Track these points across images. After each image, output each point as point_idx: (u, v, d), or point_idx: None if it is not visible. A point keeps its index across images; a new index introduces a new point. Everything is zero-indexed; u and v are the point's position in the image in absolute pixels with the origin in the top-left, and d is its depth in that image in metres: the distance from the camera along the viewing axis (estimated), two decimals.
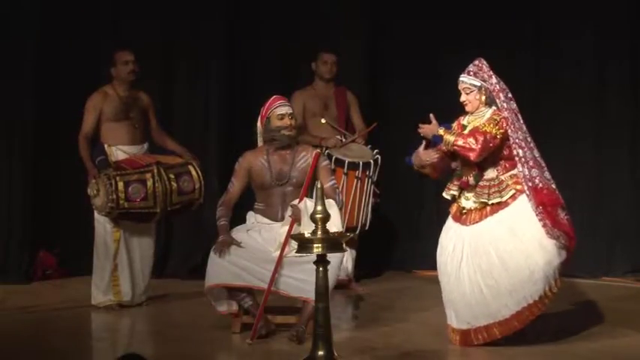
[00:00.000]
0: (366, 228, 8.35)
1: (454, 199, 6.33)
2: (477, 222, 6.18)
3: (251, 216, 6.67)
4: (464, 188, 6.27)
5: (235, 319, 6.58)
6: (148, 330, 7.12)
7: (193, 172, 7.45)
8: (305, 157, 6.63)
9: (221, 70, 9.10)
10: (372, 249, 8.78)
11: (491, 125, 6.14)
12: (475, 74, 6.25)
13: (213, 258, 6.43)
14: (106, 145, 7.44)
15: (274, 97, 6.72)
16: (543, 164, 6.20)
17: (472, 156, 6.12)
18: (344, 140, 8.35)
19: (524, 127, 6.21)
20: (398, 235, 9.41)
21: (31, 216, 8.68)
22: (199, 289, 6.66)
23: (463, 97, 6.28)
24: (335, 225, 6.04)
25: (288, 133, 6.59)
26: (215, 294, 6.50)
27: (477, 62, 6.29)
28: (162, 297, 7.89)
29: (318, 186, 5.22)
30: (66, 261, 8.73)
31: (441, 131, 6.22)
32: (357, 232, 8.23)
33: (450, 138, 6.16)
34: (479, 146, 6.08)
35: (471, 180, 6.23)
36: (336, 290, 6.69)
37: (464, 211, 6.25)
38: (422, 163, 6.36)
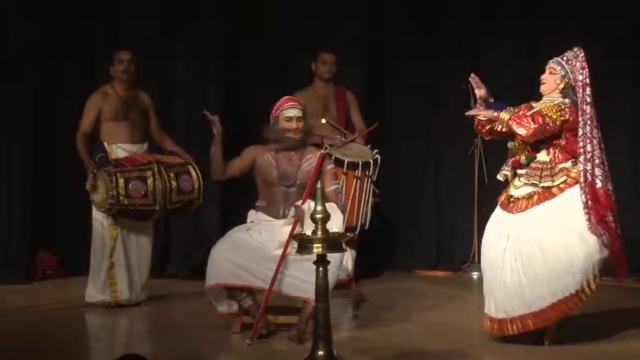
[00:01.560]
0: (366, 228, 8.35)
1: (507, 180, 6.33)
2: (523, 210, 6.17)
3: (252, 214, 6.65)
4: (516, 167, 6.26)
5: (235, 319, 6.58)
6: (148, 330, 7.12)
7: (193, 173, 7.46)
8: (310, 160, 6.60)
9: (221, 70, 9.10)
10: (372, 249, 8.78)
11: (554, 110, 6.13)
12: (568, 61, 6.27)
13: (213, 258, 6.43)
14: (105, 144, 7.45)
15: (286, 97, 6.69)
16: (609, 173, 6.17)
17: (524, 133, 6.11)
18: (344, 140, 8.35)
19: (599, 132, 6.16)
20: (398, 235, 9.42)
21: (31, 216, 8.68)
22: (199, 289, 6.66)
23: (544, 76, 6.31)
24: (336, 227, 6.04)
25: (294, 136, 6.57)
26: (215, 294, 6.50)
27: (575, 50, 6.32)
28: (162, 297, 7.89)
29: (318, 186, 5.21)
30: (66, 261, 8.74)
31: (495, 114, 6.22)
32: (357, 231, 8.23)
33: (504, 116, 6.17)
34: (535, 125, 6.07)
35: (523, 159, 6.24)
36: (336, 290, 6.69)
37: (511, 199, 6.25)
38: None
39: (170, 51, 9.15)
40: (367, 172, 8.20)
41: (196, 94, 9.13)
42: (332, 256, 5.28)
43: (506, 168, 6.36)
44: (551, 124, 6.10)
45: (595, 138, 6.12)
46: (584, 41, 8.82)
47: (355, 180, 8.14)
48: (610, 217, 6.14)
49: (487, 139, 6.51)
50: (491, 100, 6.28)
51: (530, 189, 6.19)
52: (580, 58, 6.26)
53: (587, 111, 6.14)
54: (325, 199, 5.22)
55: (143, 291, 7.59)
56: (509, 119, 6.15)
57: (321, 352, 5.06)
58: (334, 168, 6.80)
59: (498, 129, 6.28)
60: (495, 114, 6.23)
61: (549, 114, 6.12)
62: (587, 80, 6.20)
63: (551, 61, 6.32)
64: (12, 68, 8.59)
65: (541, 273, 6.06)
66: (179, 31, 9.15)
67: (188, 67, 9.16)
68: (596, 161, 6.10)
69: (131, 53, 7.60)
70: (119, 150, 7.47)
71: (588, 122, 6.12)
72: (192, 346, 6.36)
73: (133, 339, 7.03)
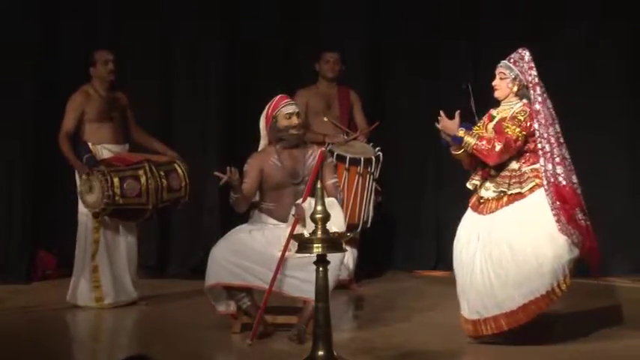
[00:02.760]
0: (368, 225, 8.34)
1: (475, 188, 6.34)
2: (493, 211, 6.18)
3: (256, 215, 6.63)
4: (486, 179, 6.27)
5: (235, 319, 6.57)
6: (148, 330, 7.11)
7: (179, 170, 7.47)
8: (313, 155, 6.60)
9: (221, 70, 9.10)
10: (373, 249, 8.78)
11: (515, 126, 6.13)
12: (515, 63, 6.26)
13: (212, 258, 6.42)
14: (90, 144, 7.44)
15: (279, 96, 6.68)
16: (572, 167, 6.18)
17: (491, 162, 6.16)
18: (346, 138, 8.36)
19: (558, 127, 6.18)
20: (399, 235, 9.42)
21: (31, 216, 8.68)
22: (199, 289, 6.66)
23: (495, 82, 6.29)
24: (337, 224, 6.02)
25: (297, 132, 6.56)
26: (215, 294, 6.50)
27: (520, 51, 6.30)
28: (162, 297, 7.89)
29: (318, 186, 5.21)
30: (66, 261, 8.72)
31: (461, 132, 6.21)
32: (359, 229, 8.23)
33: (470, 141, 6.16)
34: (497, 152, 6.09)
35: (492, 172, 6.24)
36: (336, 290, 6.69)
37: (482, 200, 6.26)
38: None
39: (170, 51, 9.14)
40: (369, 169, 8.19)
41: (196, 95, 9.12)
42: (332, 256, 5.28)
43: (476, 177, 6.35)
44: (513, 144, 6.11)
45: (552, 136, 6.11)
46: (584, 41, 8.92)
47: (357, 176, 8.14)
48: (579, 215, 6.13)
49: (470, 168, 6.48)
50: (460, 132, 6.24)
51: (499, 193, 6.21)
52: (526, 59, 6.25)
53: (540, 110, 6.13)
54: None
55: (135, 290, 7.57)
56: (475, 148, 6.14)
57: (321, 352, 5.06)
58: (333, 161, 6.80)
59: (470, 152, 6.23)
60: (461, 133, 6.19)
61: (509, 132, 6.11)
62: (537, 80, 6.20)
63: (499, 65, 6.29)
64: (12, 68, 8.59)
65: (511, 274, 6.06)
66: (179, 31, 9.14)
67: (188, 67, 9.16)
68: (556, 159, 6.09)
69: (112, 53, 7.60)
70: (104, 150, 7.47)
71: (542, 122, 6.12)
72: (192, 346, 6.36)
73: (133, 339, 7.03)
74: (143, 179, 7.23)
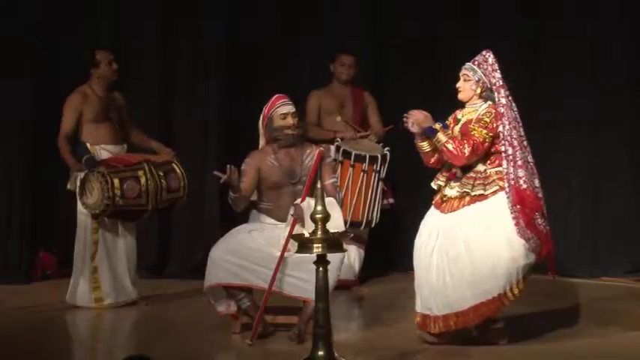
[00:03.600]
0: (372, 225, 8.32)
1: (439, 189, 6.33)
2: (454, 210, 6.18)
3: (255, 215, 6.64)
4: (451, 179, 6.27)
5: (235, 319, 6.57)
6: (148, 330, 7.11)
7: (177, 170, 7.46)
8: (311, 155, 6.60)
9: (221, 70, 9.10)
10: (376, 250, 8.77)
11: (481, 128, 6.13)
12: (479, 65, 6.26)
13: (212, 258, 6.43)
14: (88, 145, 7.44)
15: (276, 96, 6.69)
16: (534, 171, 6.18)
17: (458, 163, 6.16)
18: (356, 135, 8.39)
19: (522, 131, 6.19)
20: (398, 235, 9.40)
21: (31, 216, 8.68)
22: (199, 289, 6.66)
23: (459, 84, 6.30)
24: (336, 224, 6.04)
25: (292, 132, 6.56)
26: (214, 294, 6.50)
27: (484, 53, 6.31)
28: (162, 297, 7.89)
29: (318, 186, 5.21)
30: (66, 261, 8.71)
31: (438, 126, 6.22)
32: (362, 227, 8.22)
33: (442, 138, 6.17)
34: (465, 155, 6.09)
35: (459, 173, 6.23)
36: (337, 290, 6.69)
37: (444, 198, 6.26)
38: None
39: (170, 51, 9.14)
40: (375, 167, 8.19)
41: (196, 94, 9.12)
42: (332, 256, 5.28)
43: (441, 178, 6.34)
44: (481, 146, 6.12)
45: (515, 139, 6.11)
46: (583, 41, 8.92)
47: (362, 174, 8.14)
48: (539, 220, 6.10)
49: (438, 167, 6.48)
50: (437, 125, 6.25)
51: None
52: (490, 61, 6.26)
53: (504, 113, 6.13)
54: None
55: (134, 290, 7.57)
56: (444, 147, 6.14)
57: (321, 352, 5.06)
58: (333, 162, 6.80)
59: (440, 149, 6.23)
60: (438, 126, 6.21)
61: (476, 134, 6.11)
62: (501, 82, 6.21)
63: (463, 67, 6.30)
64: (12, 68, 8.59)
65: (466, 274, 6.07)
66: (179, 31, 9.14)
67: (188, 67, 9.15)
68: (519, 162, 6.08)
69: (112, 53, 7.61)
70: (102, 151, 7.47)
71: (506, 124, 6.12)
72: (192, 346, 6.37)
73: (133, 339, 7.03)
74: (143, 180, 7.23)
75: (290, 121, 6.56)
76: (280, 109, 6.59)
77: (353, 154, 8.13)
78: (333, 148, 8.15)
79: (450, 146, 6.12)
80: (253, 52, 9.13)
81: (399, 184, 8.85)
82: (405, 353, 6.11)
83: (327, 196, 6.11)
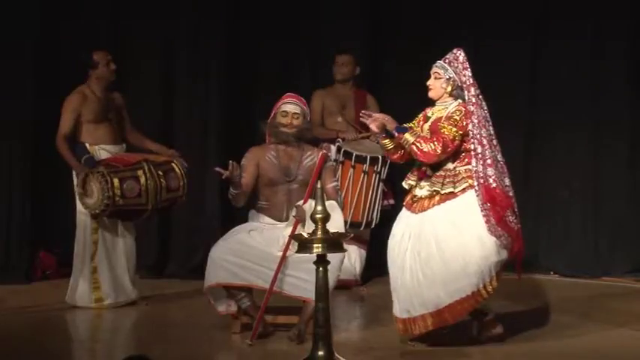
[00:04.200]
0: (372, 226, 8.32)
1: (411, 188, 6.33)
2: (424, 210, 6.17)
3: (253, 215, 6.64)
4: (422, 178, 6.26)
5: (235, 319, 6.57)
6: (148, 330, 7.11)
7: (177, 170, 7.46)
8: (311, 156, 6.61)
9: (221, 70, 9.09)
10: (376, 250, 8.75)
11: (451, 126, 6.12)
12: (450, 63, 6.25)
13: (212, 258, 6.43)
14: (87, 145, 7.44)
15: (287, 93, 6.70)
16: (504, 169, 6.18)
17: (427, 161, 6.15)
18: (357, 135, 8.39)
19: (492, 130, 6.17)
20: None
21: (31, 216, 8.67)
22: (199, 289, 6.66)
23: (430, 82, 6.30)
24: (337, 226, 6.04)
25: (287, 131, 6.57)
26: (214, 294, 6.50)
27: (455, 51, 6.29)
28: (162, 297, 7.89)
29: (319, 186, 5.21)
30: (66, 261, 8.72)
31: (407, 125, 6.25)
32: (362, 228, 8.22)
33: (409, 138, 6.15)
34: (437, 153, 6.08)
35: (429, 171, 6.23)
36: (338, 290, 6.69)
37: (415, 198, 6.25)
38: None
39: (170, 51, 9.14)
40: (375, 168, 8.19)
41: (196, 94, 9.12)
42: (332, 256, 5.28)
43: (412, 177, 6.34)
44: (451, 144, 6.11)
45: (484, 137, 6.10)
46: (583, 41, 8.92)
47: (363, 175, 8.14)
48: (510, 217, 6.10)
49: (401, 162, 6.46)
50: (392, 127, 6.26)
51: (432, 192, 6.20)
52: (461, 59, 6.25)
53: (474, 111, 6.13)
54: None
55: (134, 290, 7.57)
56: (412, 147, 6.13)
57: (321, 352, 5.06)
58: (334, 165, 6.80)
59: (408, 149, 6.22)
60: (397, 134, 6.20)
61: (445, 132, 6.10)
62: (471, 80, 6.20)
63: (434, 65, 6.30)
64: (12, 68, 8.59)
65: (438, 273, 6.06)
66: (179, 31, 9.14)
67: (188, 67, 9.15)
68: (488, 161, 6.08)
69: (110, 53, 7.61)
70: (102, 151, 7.46)
71: (476, 123, 6.11)
72: (192, 346, 6.36)
73: (133, 339, 7.03)
74: (142, 179, 7.23)
75: (289, 120, 6.57)
76: (284, 106, 6.60)
77: (354, 154, 8.14)
78: (334, 148, 8.17)
79: (419, 145, 6.11)
80: (253, 52, 9.13)
81: (399, 185, 8.84)
82: (405, 353, 6.11)
83: (329, 199, 6.11)
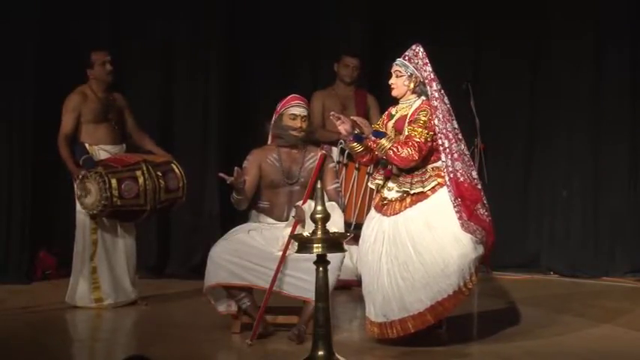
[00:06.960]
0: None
1: (378, 188, 6.31)
2: (396, 213, 6.14)
3: (254, 215, 6.64)
4: (388, 177, 6.25)
5: (235, 319, 6.57)
6: (148, 330, 7.11)
7: (176, 171, 7.45)
8: (313, 158, 6.60)
9: (221, 70, 9.09)
10: None
11: (420, 128, 6.09)
12: (410, 60, 6.23)
13: (212, 257, 6.43)
14: (87, 145, 7.44)
15: (292, 95, 6.67)
16: (471, 163, 6.18)
17: (403, 166, 6.13)
18: None
19: (456, 123, 6.15)
20: None
21: (31, 216, 8.67)
22: (199, 289, 6.66)
23: (392, 80, 6.27)
24: (337, 226, 6.04)
25: (296, 135, 6.55)
26: (214, 294, 6.51)
27: (414, 47, 6.28)
28: (162, 297, 7.89)
29: (318, 186, 5.21)
30: (66, 261, 8.71)
31: (381, 130, 6.24)
32: (352, 227, 8.20)
33: (385, 144, 6.13)
34: (410, 158, 6.05)
35: (395, 170, 6.22)
36: (336, 290, 6.69)
37: (385, 201, 6.23)
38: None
39: (170, 51, 9.14)
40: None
41: (196, 95, 9.12)
42: (332, 256, 5.28)
43: (378, 177, 6.32)
44: (424, 147, 6.08)
45: (450, 132, 6.09)
46: (583, 41, 8.92)
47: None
48: (481, 210, 6.08)
49: (370, 164, 6.45)
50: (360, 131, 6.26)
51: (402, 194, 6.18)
52: (420, 55, 6.23)
53: (437, 106, 6.11)
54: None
55: (134, 290, 7.57)
56: (390, 150, 6.09)
57: (321, 352, 5.06)
58: (335, 166, 6.80)
59: (382, 154, 6.20)
60: (373, 139, 6.17)
61: (417, 138, 6.06)
62: (432, 75, 6.18)
63: (394, 63, 6.27)
64: (12, 68, 8.59)
65: (418, 277, 6.04)
66: (179, 31, 9.14)
67: (188, 66, 9.15)
68: (455, 155, 6.06)
69: (109, 53, 7.59)
70: (101, 151, 7.46)
71: (440, 118, 6.09)
72: (192, 346, 6.36)
73: (133, 339, 7.03)
74: (141, 180, 7.22)
75: (298, 123, 6.55)
76: (292, 109, 6.57)
77: (346, 152, 8.12)
78: (336, 150, 8.16)
79: (396, 150, 6.07)
80: (253, 52, 9.12)
81: None
82: (405, 353, 6.11)
83: (329, 200, 6.10)
